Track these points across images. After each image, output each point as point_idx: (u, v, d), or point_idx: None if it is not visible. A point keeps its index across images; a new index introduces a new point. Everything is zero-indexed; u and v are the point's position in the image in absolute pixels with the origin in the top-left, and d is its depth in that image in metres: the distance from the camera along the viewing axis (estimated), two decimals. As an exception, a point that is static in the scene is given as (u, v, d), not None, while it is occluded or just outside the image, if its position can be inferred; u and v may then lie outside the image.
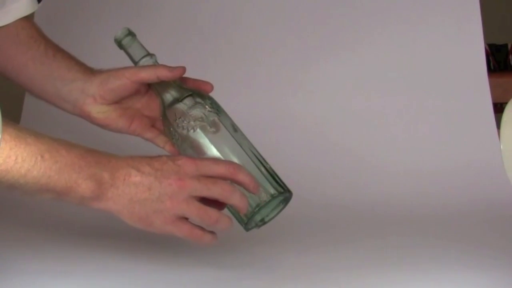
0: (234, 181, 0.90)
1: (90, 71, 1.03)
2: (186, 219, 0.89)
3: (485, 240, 1.11)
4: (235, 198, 0.89)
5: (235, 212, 0.94)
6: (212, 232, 0.91)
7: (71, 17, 1.54)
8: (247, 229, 0.95)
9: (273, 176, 0.95)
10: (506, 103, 0.89)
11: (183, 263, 0.99)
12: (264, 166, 0.95)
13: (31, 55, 1.04)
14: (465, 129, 1.42)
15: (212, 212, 0.89)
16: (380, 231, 1.18)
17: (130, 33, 1.00)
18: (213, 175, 0.89)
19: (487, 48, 1.87)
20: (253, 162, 0.94)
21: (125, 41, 1.00)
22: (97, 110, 1.01)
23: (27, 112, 1.50)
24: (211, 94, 1.00)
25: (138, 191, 0.86)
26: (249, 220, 0.93)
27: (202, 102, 0.97)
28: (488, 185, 1.32)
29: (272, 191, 0.93)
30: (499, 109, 1.49)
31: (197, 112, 0.95)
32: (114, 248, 1.05)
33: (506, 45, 2.09)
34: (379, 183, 1.36)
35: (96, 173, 0.86)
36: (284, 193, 0.94)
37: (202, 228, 0.90)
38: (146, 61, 1.00)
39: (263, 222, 0.95)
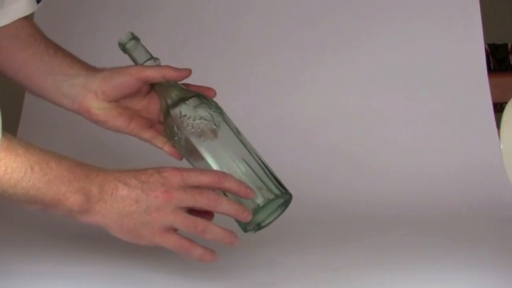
0: (222, 190, 0.90)
1: (93, 68, 1.03)
2: (176, 231, 0.89)
3: (485, 240, 1.11)
4: (222, 206, 0.89)
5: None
6: (210, 250, 0.91)
7: (70, 18, 1.54)
8: (245, 230, 0.95)
9: (275, 178, 0.95)
10: (506, 103, 0.89)
11: (182, 263, 0.99)
12: (267, 167, 0.95)
13: (31, 52, 1.04)
14: (465, 129, 1.42)
15: (199, 221, 0.89)
16: (380, 231, 1.18)
17: (134, 37, 1.01)
18: (199, 186, 0.89)
19: (487, 48, 1.87)
20: (257, 163, 0.95)
21: (129, 45, 1.00)
22: (97, 106, 1.01)
23: (27, 112, 1.50)
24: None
25: (126, 205, 0.87)
26: (250, 220, 0.93)
27: (207, 102, 0.97)
28: (488, 185, 1.32)
29: (276, 191, 0.93)
30: (499, 109, 1.49)
31: (202, 111, 0.96)
32: (114, 249, 1.04)
33: (506, 45, 2.09)
34: (379, 183, 1.36)
35: (85, 187, 0.86)
36: (286, 195, 0.94)
37: (191, 240, 0.90)
38: (150, 64, 1.00)
39: (259, 227, 0.95)
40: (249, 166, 0.94)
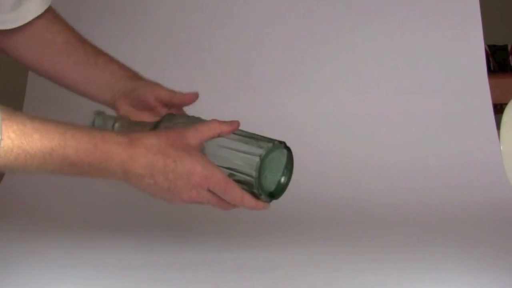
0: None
1: (137, 77, 1.06)
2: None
3: (485, 240, 1.12)
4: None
5: (246, 187, 0.93)
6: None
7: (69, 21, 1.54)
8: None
9: (256, 137, 0.95)
10: (506, 104, 0.89)
11: (183, 262, 0.99)
12: (245, 134, 0.95)
13: (72, 63, 1.06)
14: (465, 130, 1.42)
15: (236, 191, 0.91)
16: (379, 231, 1.18)
17: (100, 113, 1.02)
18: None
19: (487, 48, 1.87)
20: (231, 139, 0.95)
21: (97, 122, 1.02)
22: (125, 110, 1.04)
23: (27, 110, 1.50)
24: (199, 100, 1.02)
25: (152, 190, 0.89)
26: (259, 189, 0.92)
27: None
28: (488, 185, 1.32)
29: (260, 150, 0.92)
30: (499, 110, 1.49)
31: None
32: (115, 246, 1.05)
33: (506, 46, 2.08)
34: (379, 183, 1.36)
35: (108, 168, 0.86)
36: (275, 144, 0.94)
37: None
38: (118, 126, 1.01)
39: (279, 189, 0.95)
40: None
